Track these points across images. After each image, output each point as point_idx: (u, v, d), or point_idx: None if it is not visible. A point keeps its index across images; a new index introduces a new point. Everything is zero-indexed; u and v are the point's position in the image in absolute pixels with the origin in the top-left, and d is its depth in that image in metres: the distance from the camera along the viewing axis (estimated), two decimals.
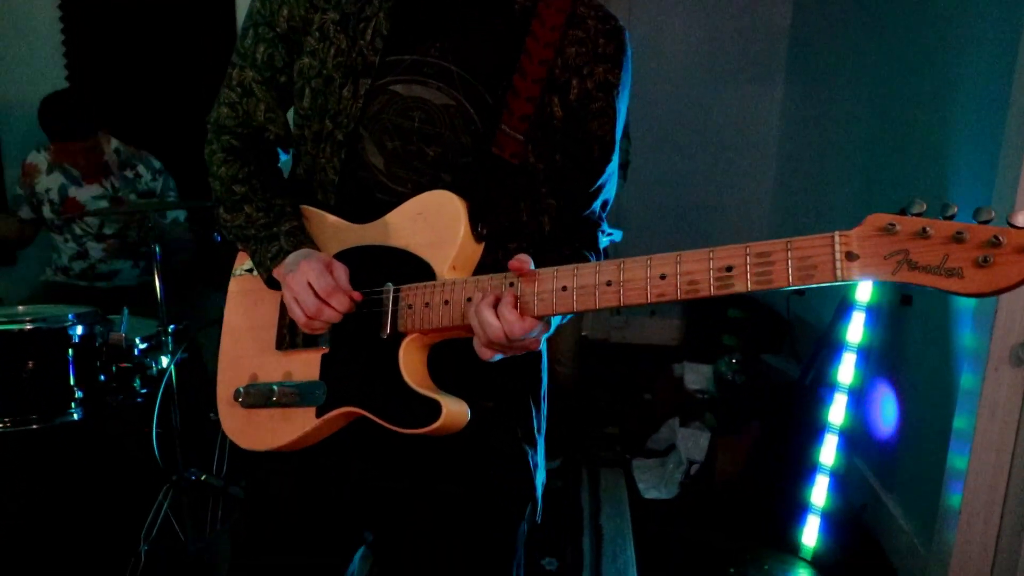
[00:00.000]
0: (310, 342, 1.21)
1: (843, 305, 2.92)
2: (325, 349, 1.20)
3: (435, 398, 1.08)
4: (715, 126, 5.02)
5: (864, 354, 2.85)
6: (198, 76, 3.27)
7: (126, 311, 2.53)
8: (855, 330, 2.83)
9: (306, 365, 1.21)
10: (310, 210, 1.28)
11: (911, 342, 2.86)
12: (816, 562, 2.82)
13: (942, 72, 2.74)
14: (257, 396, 1.22)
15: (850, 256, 0.83)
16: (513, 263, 1.03)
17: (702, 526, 3.05)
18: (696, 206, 5.07)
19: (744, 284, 0.89)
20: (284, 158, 1.41)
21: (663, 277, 0.94)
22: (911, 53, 3.07)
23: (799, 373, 3.30)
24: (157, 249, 2.45)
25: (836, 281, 0.84)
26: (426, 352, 1.17)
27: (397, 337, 1.13)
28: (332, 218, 1.25)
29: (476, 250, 1.16)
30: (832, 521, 2.86)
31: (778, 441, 3.12)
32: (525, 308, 1.03)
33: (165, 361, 2.44)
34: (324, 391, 1.18)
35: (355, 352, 1.17)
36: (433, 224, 1.15)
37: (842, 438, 2.87)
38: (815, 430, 2.93)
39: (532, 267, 1.03)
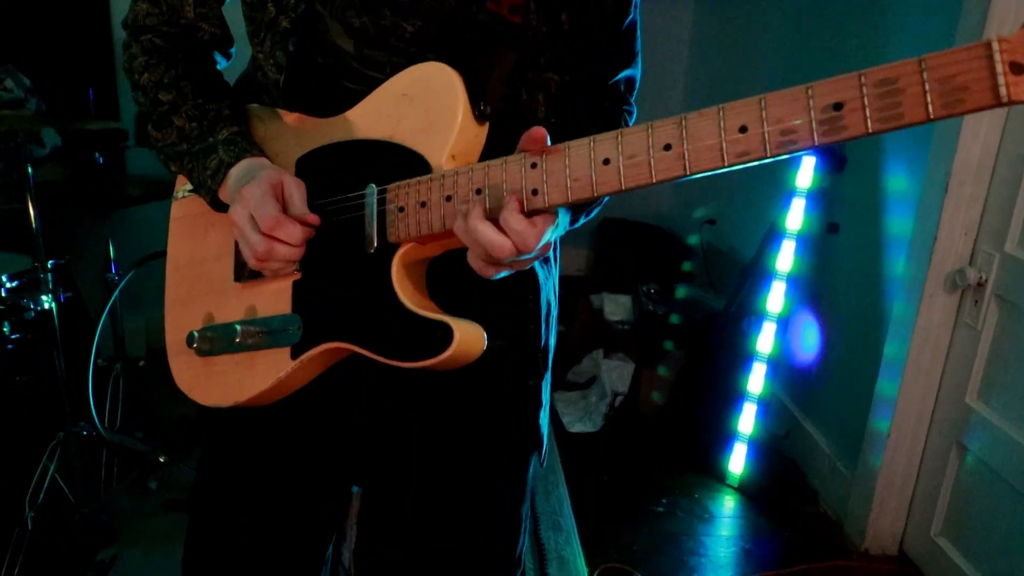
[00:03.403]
0: None
1: (771, 233, 2.90)
2: (297, 275, 0.98)
3: (443, 319, 0.88)
4: None
5: (792, 283, 2.85)
6: None
7: None
8: (785, 259, 2.82)
9: (274, 297, 0.99)
10: (262, 109, 1.04)
11: (838, 271, 2.87)
12: (743, 488, 2.85)
13: None
14: (216, 340, 0.99)
15: (1016, 68, 0.61)
16: (532, 137, 0.81)
17: (630, 458, 3.02)
18: None
19: (862, 124, 0.65)
20: (224, 64, 1.15)
21: (743, 130, 0.71)
22: None
23: (722, 303, 3.29)
24: (30, 170, 2.08)
25: (999, 105, 0.62)
26: (424, 268, 0.96)
27: (387, 250, 0.91)
28: (292, 115, 1.02)
29: (479, 133, 0.93)
30: (755, 448, 2.90)
31: (703, 370, 3.12)
32: (554, 195, 0.80)
33: (46, 301, 2.09)
34: (299, 326, 0.96)
35: (335, 274, 0.95)
36: (423, 105, 0.92)
37: (769, 366, 2.88)
38: (741, 359, 2.93)
39: (549, 142, 0.82)
